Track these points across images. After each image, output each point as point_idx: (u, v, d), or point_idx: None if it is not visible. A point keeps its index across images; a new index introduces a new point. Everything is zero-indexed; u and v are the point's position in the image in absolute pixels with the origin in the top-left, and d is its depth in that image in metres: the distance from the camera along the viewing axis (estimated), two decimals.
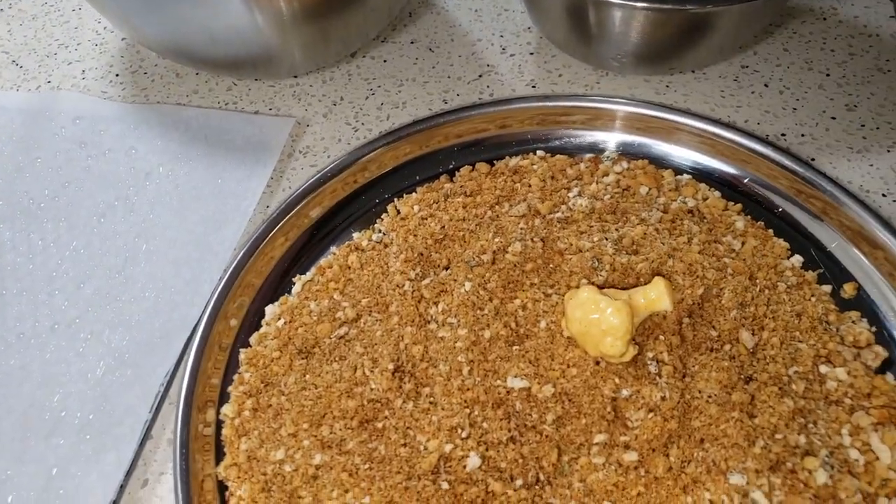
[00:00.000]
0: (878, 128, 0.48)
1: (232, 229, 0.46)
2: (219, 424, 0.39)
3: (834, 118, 0.49)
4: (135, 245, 0.46)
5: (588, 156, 0.48)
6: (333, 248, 0.45)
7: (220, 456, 0.38)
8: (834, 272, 0.42)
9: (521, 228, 0.43)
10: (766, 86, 0.52)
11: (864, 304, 0.40)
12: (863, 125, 0.49)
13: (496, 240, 0.43)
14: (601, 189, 0.45)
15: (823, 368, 0.38)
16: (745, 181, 0.45)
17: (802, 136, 0.48)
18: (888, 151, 0.47)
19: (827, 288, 0.41)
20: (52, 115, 0.53)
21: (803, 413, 0.36)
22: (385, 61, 0.56)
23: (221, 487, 0.37)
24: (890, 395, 0.37)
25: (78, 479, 0.37)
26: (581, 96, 0.49)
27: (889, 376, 0.38)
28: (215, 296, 0.41)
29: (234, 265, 0.43)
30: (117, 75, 0.57)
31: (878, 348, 0.39)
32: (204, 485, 0.37)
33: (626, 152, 0.48)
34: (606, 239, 0.42)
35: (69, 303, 0.44)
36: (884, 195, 0.45)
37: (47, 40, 0.61)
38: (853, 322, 0.40)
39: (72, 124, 0.52)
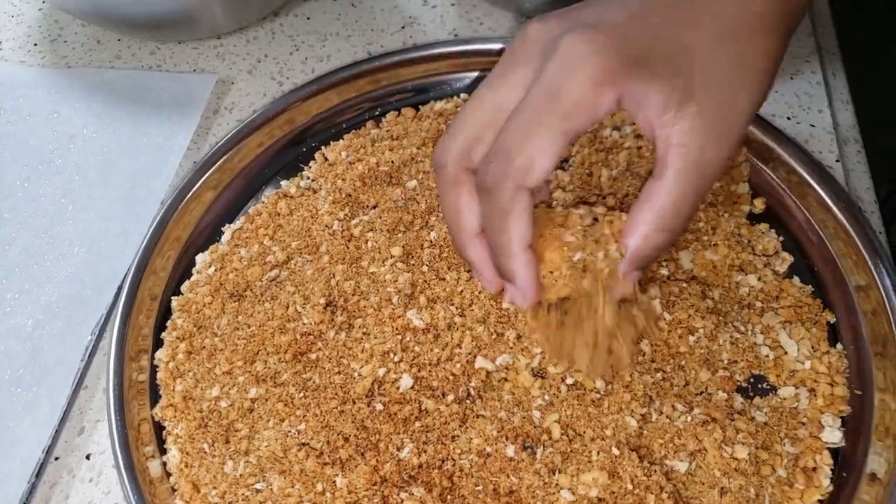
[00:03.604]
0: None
1: (158, 184, 0.46)
2: (154, 370, 0.40)
3: None
4: (61, 205, 0.46)
5: None
6: (262, 197, 0.46)
7: (155, 400, 0.39)
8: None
9: None
10: None
11: (772, 217, 0.43)
12: None
13: (420, 176, 0.44)
14: None
15: (737, 276, 0.40)
16: None
17: None
18: (791, 78, 0.50)
19: (745, 208, 0.43)
20: None
21: (720, 314, 0.38)
22: (308, 18, 0.56)
23: (158, 429, 0.38)
24: (796, 296, 0.39)
25: (10, 430, 0.37)
26: (498, 38, 0.50)
27: (796, 279, 0.40)
28: (142, 247, 0.42)
29: (159, 217, 0.43)
30: (36, 44, 0.56)
31: (785, 254, 0.41)
32: (140, 428, 0.37)
33: None
34: None
35: None
36: (788, 118, 0.48)
37: None
38: (763, 233, 0.42)
39: None
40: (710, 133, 0.29)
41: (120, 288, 0.41)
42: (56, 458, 0.37)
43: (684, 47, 0.29)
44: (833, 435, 0.34)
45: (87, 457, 0.37)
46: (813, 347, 0.37)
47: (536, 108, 0.29)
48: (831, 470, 0.34)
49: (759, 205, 0.43)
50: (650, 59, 0.28)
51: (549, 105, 0.28)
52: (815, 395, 0.36)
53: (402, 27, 0.55)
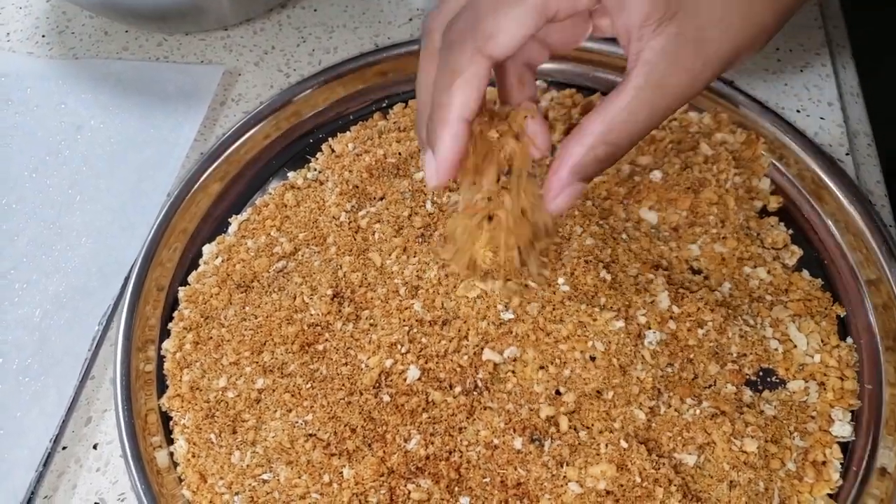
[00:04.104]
0: (790, 50, 0.50)
1: (165, 175, 0.46)
2: (161, 361, 0.40)
3: None
4: (68, 196, 0.46)
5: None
6: (269, 189, 0.46)
7: (162, 390, 0.39)
8: None
9: None
10: None
11: (782, 210, 0.43)
12: (777, 48, 0.51)
13: None
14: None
15: (746, 269, 0.40)
16: None
17: None
18: (801, 71, 0.49)
19: (758, 204, 0.43)
20: None
21: (729, 307, 0.38)
22: (315, 10, 0.56)
23: (166, 419, 0.38)
24: (806, 289, 0.39)
25: (18, 419, 0.37)
26: None
27: (805, 273, 0.40)
28: (149, 238, 0.42)
29: (166, 208, 0.43)
30: (43, 36, 0.56)
31: (795, 248, 0.41)
32: (148, 418, 0.37)
33: (556, 82, 0.49)
34: None
35: (3, 255, 0.43)
36: (798, 111, 0.47)
37: None
38: (772, 226, 0.42)
39: None
40: (680, 59, 0.28)
41: (127, 279, 0.41)
42: (63, 448, 0.37)
43: None
44: (843, 429, 0.34)
45: (95, 446, 0.37)
46: (823, 341, 0.37)
47: None
48: (841, 464, 0.34)
49: (775, 202, 0.43)
50: None
51: None
52: (825, 389, 0.35)
53: (410, 19, 0.55)
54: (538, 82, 0.49)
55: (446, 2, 0.30)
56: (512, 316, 0.36)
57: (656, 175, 0.42)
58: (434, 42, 0.30)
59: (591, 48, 0.48)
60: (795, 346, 0.37)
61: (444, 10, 0.30)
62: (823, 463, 0.34)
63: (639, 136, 0.29)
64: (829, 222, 0.41)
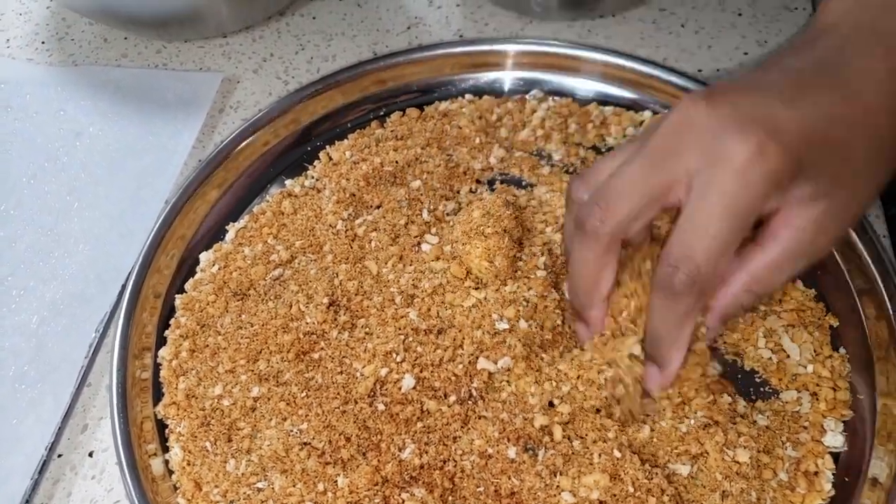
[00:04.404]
0: None
1: (163, 182, 0.46)
2: (157, 368, 0.40)
3: (746, 53, 0.52)
4: (67, 203, 0.46)
5: (516, 97, 0.49)
6: (267, 197, 0.46)
7: (158, 398, 0.39)
8: None
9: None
10: (682, 26, 0.54)
11: None
12: None
13: (424, 176, 0.44)
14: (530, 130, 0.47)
15: None
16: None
17: (717, 70, 0.51)
18: None
19: None
20: None
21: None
22: (314, 18, 0.56)
23: (161, 427, 0.38)
24: (799, 300, 0.39)
25: (14, 426, 0.37)
26: (503, 39, 0.50)
27: (799, 283, 0.40)
28: (146, 245, 0.42)
29: (164, 215, 0.43)
30: (43, 42, 0.56)
31: None
32: (143, 425, 0.37)
33: (552, 91, 0.49)
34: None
35: (0, 261, 0.43)
36: None
37: None
38: None
39: None
40: (829, 225, 0.31)
41: (124, 286, 0.41)
42: (59, 455, 0.37)
43: (843, 148, 0.30)
44: (835, 439, 0.34)
45: (90, 454, 0.38)
46: (815, 351, 0.37)
47: (710, 215, 0.29)
48: (833, 474, 0.34)
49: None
50: (807, 159, 0.29)
51: (723, 214, 0.28)
52: (818, 400, 0.36)
53: (408, 27, 0.55)
54: (534, 91, 0.49)
55: (614, 205, 0.31)
56: (507, 326, 0.36)
57: None
58: (604, 243, 0.32)
59: (580, 56, 0.48)
60: (788, 357, 0.37)
61: (613, 217, 0.31)
62: (815, 473, 0.34)
63: (777, 286, 0.33)
64: None
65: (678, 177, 0.30)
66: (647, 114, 0.47)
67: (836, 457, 0.34)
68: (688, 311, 0.31)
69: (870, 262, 0.38)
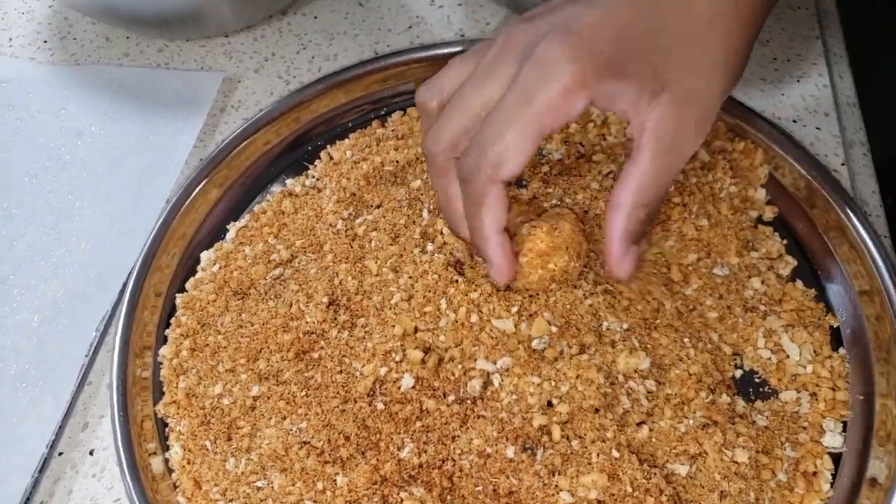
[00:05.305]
0: (788, 60, 0.51)
1: (164, 181, 0.46)
2: (157, 367, 0.40)
3: None
4: (68, 202, 0.46)
5: None
6: (267, 196, 0.46)
7: (159, 397, 0.39)
8: None
9: None
10: None
11: (776, 220, 0.43)
12: (775, 58, 0.51)
13: (425, 176, 0.44)
14: None
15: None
16: None
17: None
18: (798, 81, 0.49)
19: (753, 213, 0.43)
20: None
21: (724, 320, 0.38)
22: (316, 17, 0.56)
23: (161, 426, 0.38)
24: (799, 300, 0.39)
25: (15, 424, 0.37)
26: None
27: (799, 283, 0.40)
28: (147, 244, 0.42)
29: (164, 214, 0.43)
30: (45, 41, 0.56)
31: (789, 258, 0.41)
32: (143, 424, 0.38)
33: None
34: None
35: (2, 260, 0.44)
36: (794, 121, 0.47)
37: None
38: (766, 237, 0.42)
39: None
40: (682, 117, 0.32)
41: (125, 284, 0.41)
42: (60, 454, 0.37)
43: (658, 38, 0.31)
44: (834, 439, 0.34)
45: (91, 452, 0.38)
46: (815, 352, 0.37)
47: (512, 109, 0.31)
48: (832, 475, 0.34)
49: (770, 212, 0.43)
50: (622, 59, 0.31)
51: (523, 108, 0.31)
52: (817, 400, 0.36)
53: (409, 27, 0.55)
54: None
55: (440, 128, 0.34)
56: (510, 327, 0.36)
57: None
58: (439, 164, 0.35)
59: None
60: (788, 357, 0.37)
61: (440, 138, 0.34)
62: (814, 473, 0.34)
63: (666, 190, 0.34)
64: (823, 232, 0.41)
65: (498, 89, 0.32)
66: None
67: (835, 457, 0.34)
68: (479, 199, 0.33)
69: (871, 261, 0.38)
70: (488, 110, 0.32)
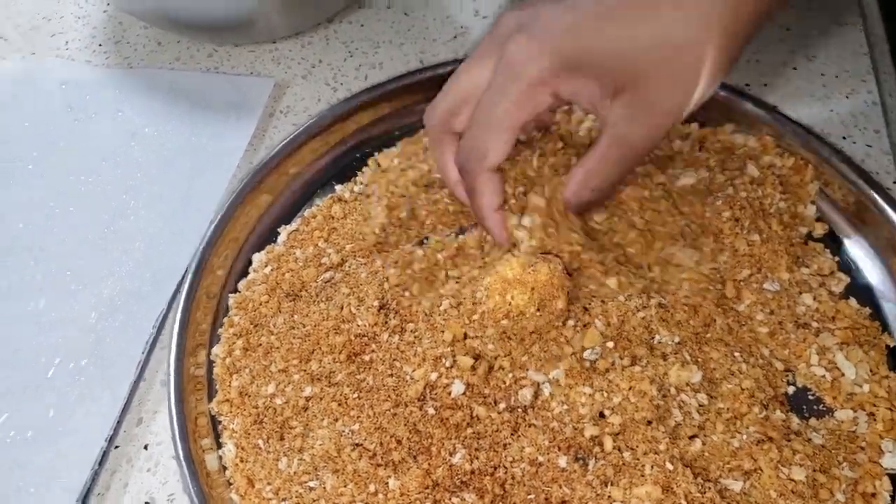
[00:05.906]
0: (836, 76, 0.50)
1: (216, 184, 0.47)
2: (210, 365, 0.40)
3: (795, 68, 0.51)
4: (122, 201, 0.47)
5: (565, 107, 0.49)
6: (317, 201, 0.47)
7: (211, 395, 0.39)
8: None
9: None
10: None
11: (827, 236, 0.42)
12: (822, 74, 0.51)
13: None
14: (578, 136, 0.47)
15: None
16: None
17: (765, 85, 0.50)
18: (847, 98, 0.49)
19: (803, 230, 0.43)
20: (39, 80, 0.54)
21: (775, 336, 0.38)
22: (362, 25, 0.57)
23: (214, 423, 0.38)
24: (853, 317, 0.39)
25: (76, 419, 0.38)
26: None
27: (852, 300, 0.40)
28: (202, 245, 0.43)
29: (218, 218, 0.44)
30: (100, 45, 0.58)
31: (841, 275, 0.41)
32: (198, 421, 0.38)
33: None
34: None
35: (59, 258, 0.44)
36: (844, 138, 0.47)
37: (29, 14, 0.62)
38: (818, 253, 0.42)
39: (58, 89, 0.53)
40: (635, 118, 0.35)
41: (180, 285, 0.42)
42: (116, 447, 0.38)
43: (622, 44, 0.33)
44: (893, 461, 0.34)
45: (146, 447, 0.38)
46: (871, 371, 0.37)
47: (486, 108, 0.36)
48: (891, 496, 0.33)
49: (820, 229, 0.43)
50: (586, 59, 0.34)
51: (496, 107, 0.35)
52: (875, 420, 0.35)
53: (454, 37, 0.56)
54: None
55: (436, 106, 0.39)
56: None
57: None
58: (435, 135, 0.40)
59: None
60: (843, 375, 0.37)
61: (435, 114, 0.39)
62: (873, 495, 0.33)
63: (616, 178, 0.37)
64: (875, 250, 0.41)
65: (484, 73, 0.36)
66: (693, 126, 0.47)
67: (893, 479, 0.34)
68: (473, 186, 0.38)
69: None
70: (479, 90, 0.36)
